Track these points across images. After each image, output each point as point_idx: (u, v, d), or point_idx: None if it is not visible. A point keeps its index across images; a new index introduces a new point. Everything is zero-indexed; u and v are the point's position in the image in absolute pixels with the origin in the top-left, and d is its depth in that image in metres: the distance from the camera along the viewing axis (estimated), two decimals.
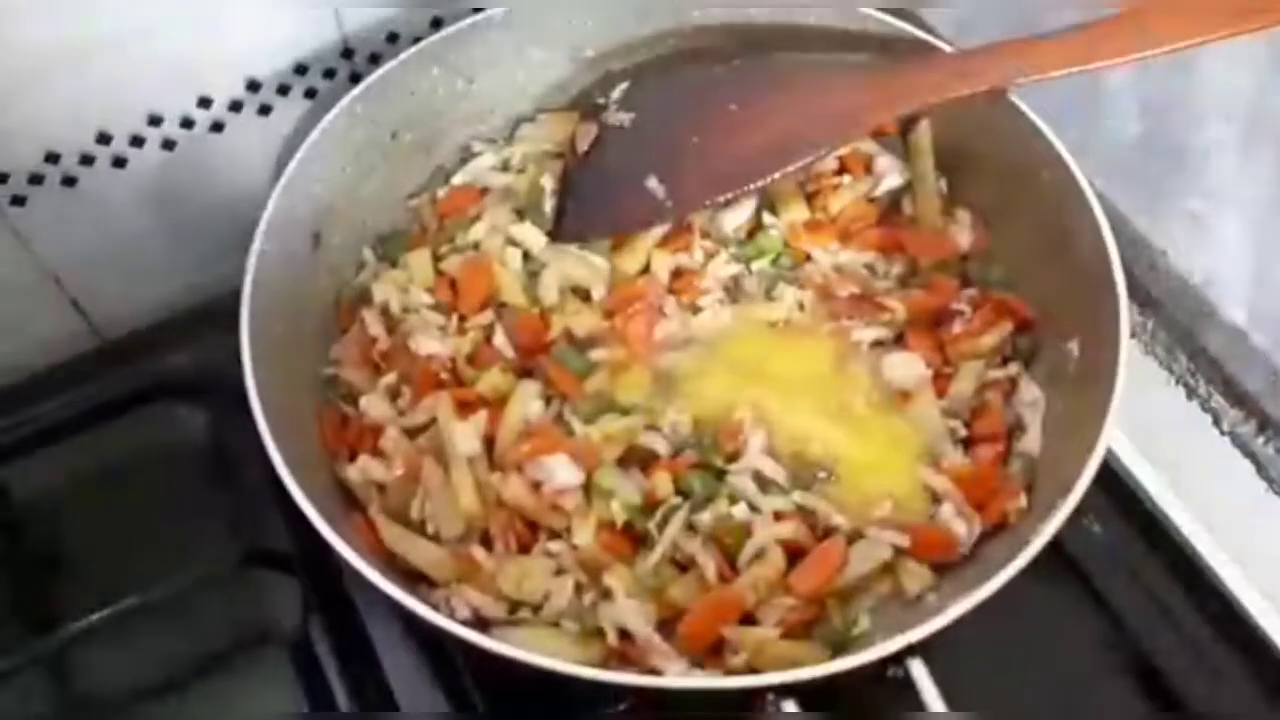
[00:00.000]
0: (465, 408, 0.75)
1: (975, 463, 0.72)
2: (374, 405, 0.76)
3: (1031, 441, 0.72)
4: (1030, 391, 0.74)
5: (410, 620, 0.71)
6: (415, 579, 0.70)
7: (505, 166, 0.89)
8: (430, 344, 0.78)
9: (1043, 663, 0.74)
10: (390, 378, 0.78)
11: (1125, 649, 0.74)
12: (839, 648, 0.66)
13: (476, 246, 0.83)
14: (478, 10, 0.85)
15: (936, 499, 0.70)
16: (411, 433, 0.75)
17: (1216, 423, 0.81)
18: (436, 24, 0.85)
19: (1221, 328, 0.77)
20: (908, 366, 0.76)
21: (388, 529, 0.71)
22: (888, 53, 0.81)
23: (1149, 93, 0.77)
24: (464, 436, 0.72)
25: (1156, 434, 0.81)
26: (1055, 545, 0.68)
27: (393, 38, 0.86)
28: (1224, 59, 0.70)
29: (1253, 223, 0.72)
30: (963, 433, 0.74)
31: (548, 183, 0.85)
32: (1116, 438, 0.80)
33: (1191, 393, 0.81)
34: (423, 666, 0.74)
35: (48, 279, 0.85)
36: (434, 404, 0.75)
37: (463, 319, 0.80)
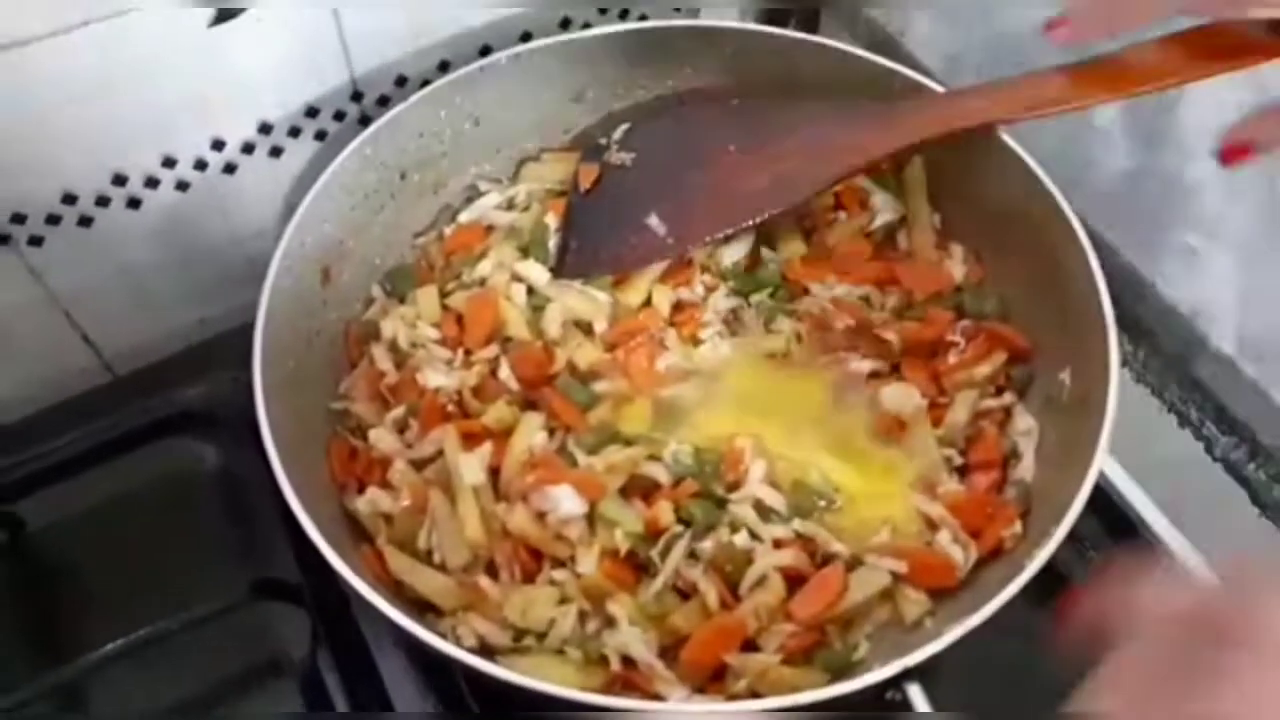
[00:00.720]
0: (471, 439, 0.76)
1: (970, 490, 0.74)
2: (382, 438, 0.78)
3: (1026, 469, 0.74)
4: (1024, 420, 0.76)
5: (417, 650, 0.73)
6: (422, 609, 0.71)
7: (510, 205, 0.91)
8: (437, 377, 0.79)
9: (1039, 686, 0.74)
10: (398, 411, 0.79)
11: None
12: (839, 673, 0.67)
13: (483, 283, 0.85)
14: (485, 52, 0.88)
15: (933, 526, 0.72)
16: (419, 465, 0.76)
17: (1209, 450, 0.81)
18: (444, 67, 0.88)
19: (1211, 357, 0.78)
20: (905, 398, 0.77)
21: (395, 559, 0.72)
22: (882, 94, 0.84)
23: (1137, 129, 0.79)
24: (469, 467, 0.74)
25: (1150, 462, 0.82)
26: (1053, 571, 0.70)
27: (401, 81, 0.89)
28: (1210, 97, 0.72)
29: (1239, 254, 0.74)
30: (959, 461, 0.75)
31: (551, 220, 0.87)
32: (1110, 466, 0.81)
33: (1184, 420, 0.82)
34: (429, 695, 0.75)
35: (62, 316, 0.86)
36: (441, 436, 0.76)
37: (469, 353, 0.82)
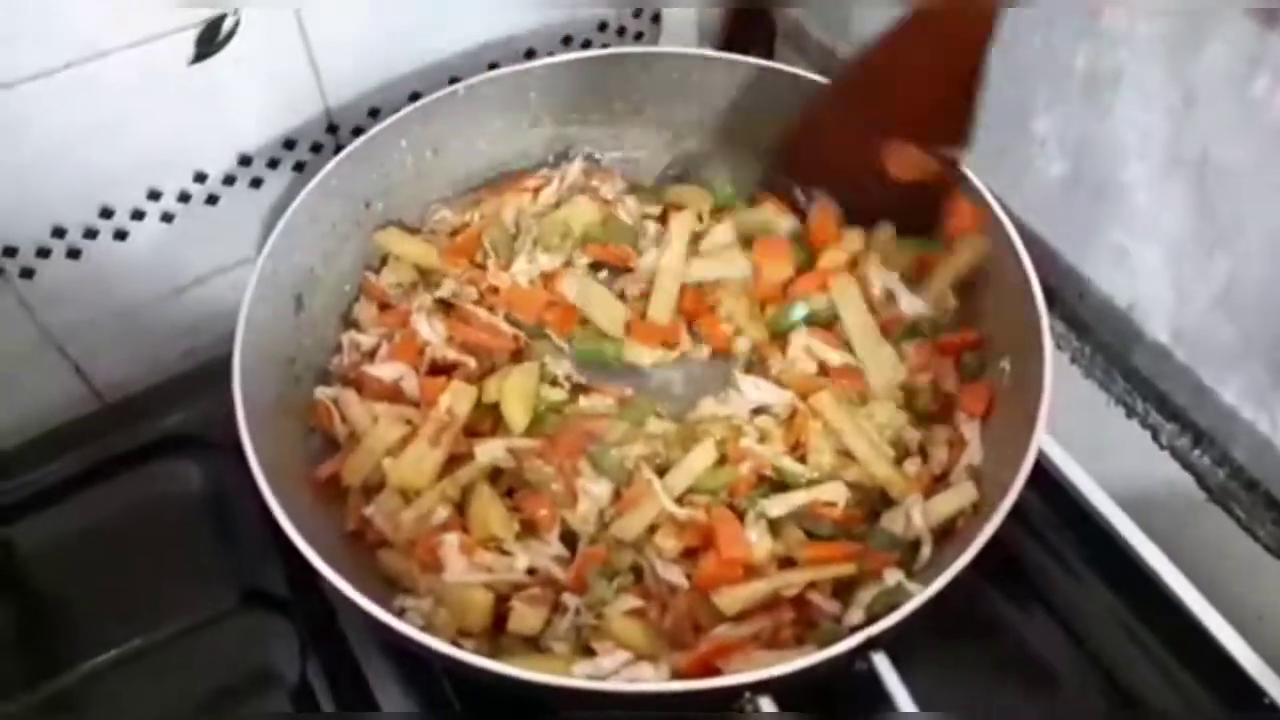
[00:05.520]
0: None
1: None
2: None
3: (973, 453, 0.78)
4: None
5: (403, 654, 0.75)
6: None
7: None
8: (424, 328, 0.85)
9: (991, 653, 0.79)
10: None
11: (1079, 649, 0.79)
12: None
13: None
14: (453, 82, 0.92)
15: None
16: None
17: (1156, 438, 0.85)
18: (414, 97, 0.91)
19: (1148, 347, 0.82)
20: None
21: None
22: None
23: (1072, 135, 0.83)
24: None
25: (1102, 454, 0.86)
26: (1015, 560, 0.76)
27: (374, 112, 0.92)
28: (1141, 103, 0.76)
29: (1169, 250, 0.78)
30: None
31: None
32: (1061, 456, 0.85)
33: (1130, 411, 0.86)
34: (415, 700, 0.77)
35: (52, 346, 0.89)
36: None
37: None
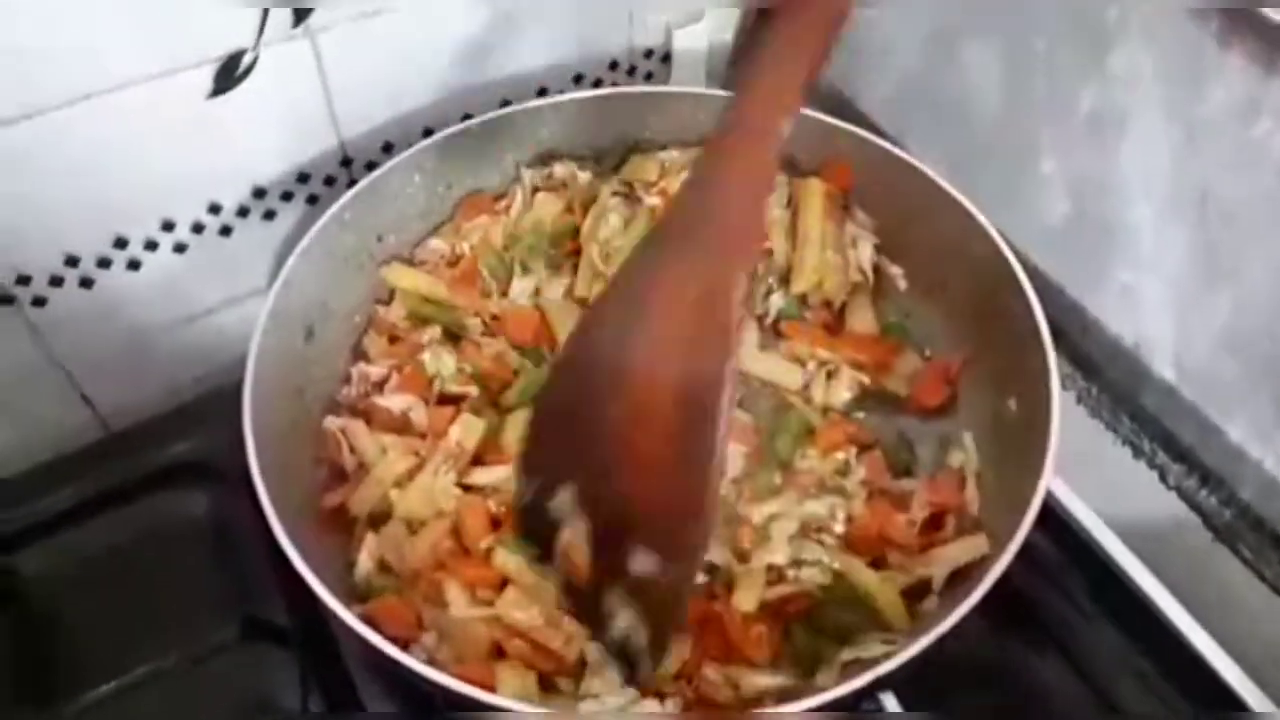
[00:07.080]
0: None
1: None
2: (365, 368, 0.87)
3: (970, 502, 0.79)
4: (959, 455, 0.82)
5: (404, 687, 0.74)
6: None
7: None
8: (436, 361, 0.86)
9: (1012, 706, 0.79)
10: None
11: (1087, 688, 0.79)
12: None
13: None
14: (465, 118, 0.93)
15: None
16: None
17: (1163, 479, 0.85)
18: (428, 133, 0.92)
19: (1154, 386, 0.82)
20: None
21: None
22: (834, 153, 0.92)
23: (1077, 175, 0.84)
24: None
25: (1108, 493, 0.85)
26: (1023, 600, 0.77)
27: (387, 147, 0.93)
28: (1145, 143, 0.77)
29: (1174, 288, 0.78)
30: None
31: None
32: (1070, 497, 0.85)
33: (1138, 452, 0.86)
34: None
35: (62, 374, 0.89)
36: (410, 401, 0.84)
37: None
